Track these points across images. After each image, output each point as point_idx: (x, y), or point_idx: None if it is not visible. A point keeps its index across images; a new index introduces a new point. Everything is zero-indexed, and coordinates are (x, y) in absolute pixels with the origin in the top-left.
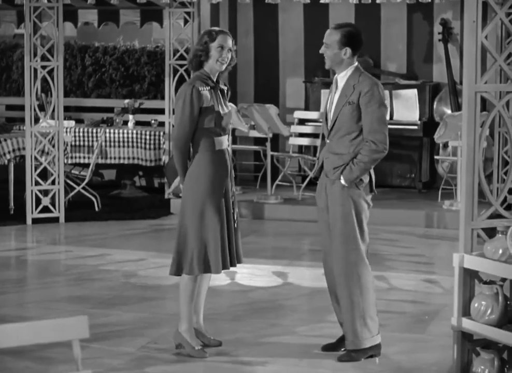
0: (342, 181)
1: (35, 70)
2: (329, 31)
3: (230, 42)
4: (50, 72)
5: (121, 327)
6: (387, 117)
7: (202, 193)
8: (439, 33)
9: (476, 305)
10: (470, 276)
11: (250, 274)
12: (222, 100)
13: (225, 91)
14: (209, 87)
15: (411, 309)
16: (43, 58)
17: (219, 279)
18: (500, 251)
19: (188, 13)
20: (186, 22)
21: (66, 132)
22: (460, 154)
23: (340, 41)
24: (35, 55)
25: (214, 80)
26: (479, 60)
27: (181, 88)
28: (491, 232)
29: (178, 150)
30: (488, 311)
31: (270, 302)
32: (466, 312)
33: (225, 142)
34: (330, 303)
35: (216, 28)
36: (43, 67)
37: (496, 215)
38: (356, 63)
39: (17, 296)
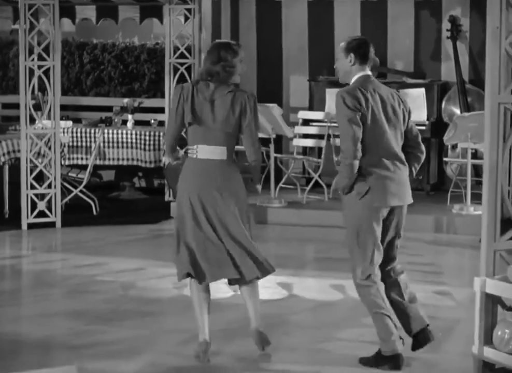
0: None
1: (31, 69)
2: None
3: None
4: (46, 72)
5: (118, 346)
6: None
7: (180, 198)
8: (447, 30)
9: (499, 333)
10: (492, 302)
11: None
12: None
13: None
14: None
15: None
16: (40, 57)
17: (221, 291)
18: None
19: (189, 10)
20: (186, 18)
21: (63, 132)
22: (470, 156)
23: (345, 50)
24: (31, 53)
25: None
26: (503, 68)
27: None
28: None
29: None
30: None
31: (275, 317)
32: (488, 340)
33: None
34: (336, 318)
35: (233, 42)
36: (39, 67)
37: None
38: (360, 74)
39: (10, 310)
